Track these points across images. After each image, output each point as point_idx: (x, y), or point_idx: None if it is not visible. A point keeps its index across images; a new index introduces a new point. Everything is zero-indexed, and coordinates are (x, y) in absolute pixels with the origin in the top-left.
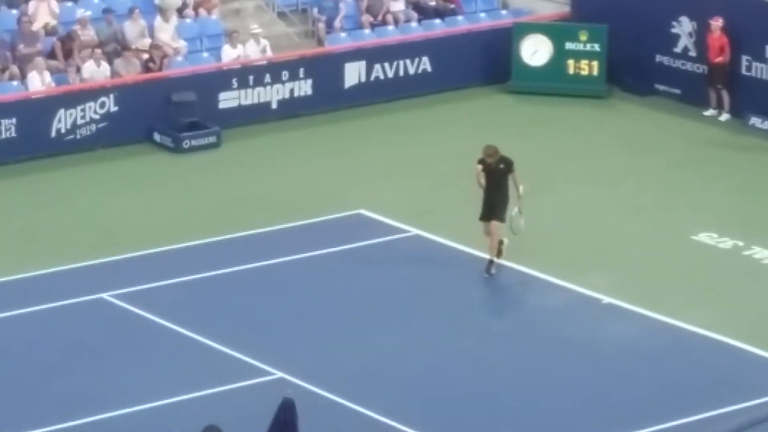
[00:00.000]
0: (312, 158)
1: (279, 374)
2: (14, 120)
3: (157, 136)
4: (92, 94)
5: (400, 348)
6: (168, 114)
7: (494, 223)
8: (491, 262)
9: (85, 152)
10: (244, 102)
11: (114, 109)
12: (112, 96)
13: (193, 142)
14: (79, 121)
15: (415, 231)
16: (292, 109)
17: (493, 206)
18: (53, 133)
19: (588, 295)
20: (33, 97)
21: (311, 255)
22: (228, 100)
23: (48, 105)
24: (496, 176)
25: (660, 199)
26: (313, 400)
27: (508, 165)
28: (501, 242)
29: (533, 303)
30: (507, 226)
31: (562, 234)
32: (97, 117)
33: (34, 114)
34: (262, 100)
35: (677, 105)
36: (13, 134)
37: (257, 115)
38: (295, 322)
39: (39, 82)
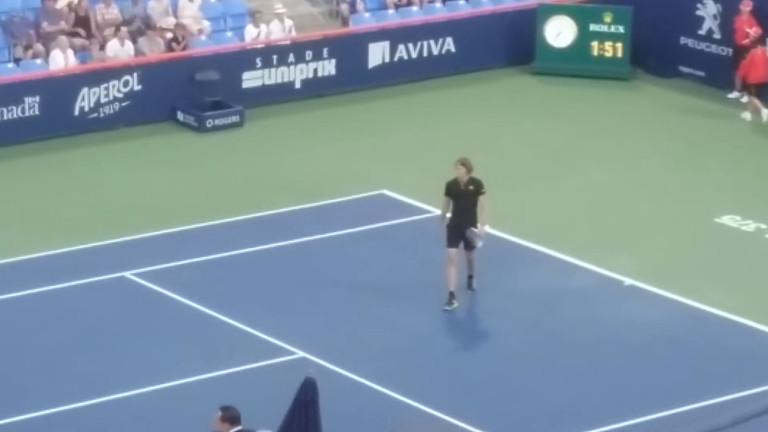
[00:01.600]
0: (335, 138)
1: (300, 354)
2: (37, 98)
3: (180, 115)
4: (116, 72)
5: (422, 328)
6: (191, 93)
7: (469, 253)
8: (470, 277)
9: (108, 131)
10: (267, 81)
11: (137, 87)
12: (135, 75)
13: (217, 122)
14: (103, 100)
15: (437, 211)
16: (315, 88)
17: (463, 231)
18: (76, 112)
19: (610, 277)
20: (56, 75)
21: (334, 235)
22: (251, 79)
23: (71, 83)
24: (465, 198)
25: (683, 181)
26: (335, 379)
27: (478, 186)
28: (471, 276)
29: (555, 285)
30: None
31: (584, 216)
32: (120, 96)
33: (57, 92)
34: (285, 79)
35: (701, 87)
36: (37, 112)
37: (281, 94)
38: (317, 301)
39: (62, 60)
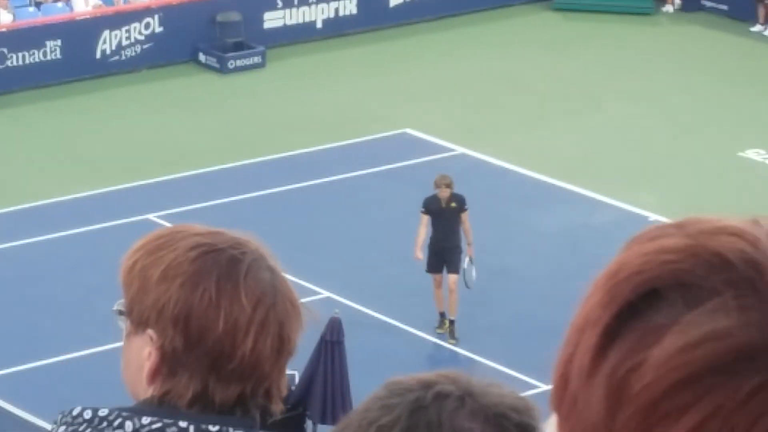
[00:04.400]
0: (357, 78)
1: (326, 294)
2: (59, 41)
3: (202, 57)
4: (137, 14)
5: None
6: (213, 34)
7: (452, 278)
8: (451, 322)
9: (130, 73)
10: (289, 22)
11: (159, 29)
12: (157, 17)
13: (238, 63)
14: (124, 42)
15: (461, 149)
16: (337, 28)
17: (446, 255)
18: (98, 55)
19: (635, 213)
20: (78, 18)
21: (357, 174)
22: (273, 19)
23: (93, 26)
24: (447, 217)
25: (706, 116)
26: (360, 319)
27: (460, 203)
28: (452, 322)
29: (580, 221)
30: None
31: (608, 152)
32: (142, 38)
33: (79, 35)
34: (307, 19)
35: (724, 21)
36: (58, 56)
37: (302, 34)
38: (341, 241)
39: (84, 3)
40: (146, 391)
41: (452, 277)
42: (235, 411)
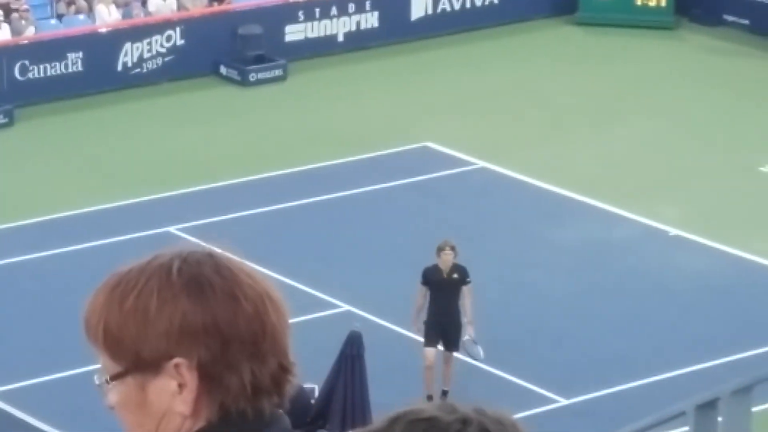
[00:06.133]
0: (378, 91)
1: (346, 307)
2: (81, 54)
3: (223, 70)
4: (159, 27)
5: None
6: (234, 47)
7: (447, 355)
8: (444, 393)
9: (151, 86)
10: (310, 35)
11: (180, 42)
12: (178, 29)
13: (260, 75)
14: (146, 55)
15: (481, 163)
16: (358, 41)
17: (445, 328)
18: (119, 67)
19: (655, 227)
20: (100, 30)
21: (378, 188)
22: (294, 32)
23: (114, 39)
24: (449, 289)
25: (728, 130)
26: (381, 332)
27: (463, 275)
28: (445, 393)
29: (600, 235)
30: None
31: (629, 166)
32: (163, 50)
33: (100, 48)
34: (328, 32)
35: (746, 36)
36: (80, 68)
37: (324, 47)
38: (361, 255)
39: (106, 15)
40: (182, 431)
41: (448, 355)
42: (272, 393)
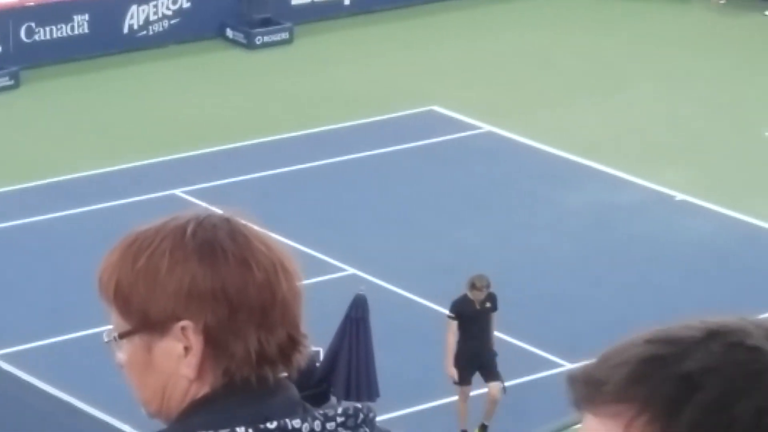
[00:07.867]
0: (384, 54)
1: (351, 270)
2: (87, 16)
3: (229, 32)
4: None
5: (472, 245)
6: (240, 10)
7: (495, 386)
8: (484, 427)
9: (157, 48)
10: None
11: (186, 5)
12: None
13: (266, 39)
14: (152, 17)
15: (487, 128)
16: (364, 4)
17: (482, 360)
18: (126, 29)
19: (661, 192)
20: None
21: (384, 151)
22: None
23: (120, 1)
24: (483, 319)
25: (733, 95)
26: (386, 296)
27: (494, 303)
28: (485, 427)
29: (606, 200)
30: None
31: (635, 131)
32: (169, 13)
33: (106, 10)
34: None
35: (754, 2)
36: (86, 30)
37: (330, 11)
38: (367, 218)
39: None
40: (188, 394)
41: (495, 386)
42: (278, 363)
